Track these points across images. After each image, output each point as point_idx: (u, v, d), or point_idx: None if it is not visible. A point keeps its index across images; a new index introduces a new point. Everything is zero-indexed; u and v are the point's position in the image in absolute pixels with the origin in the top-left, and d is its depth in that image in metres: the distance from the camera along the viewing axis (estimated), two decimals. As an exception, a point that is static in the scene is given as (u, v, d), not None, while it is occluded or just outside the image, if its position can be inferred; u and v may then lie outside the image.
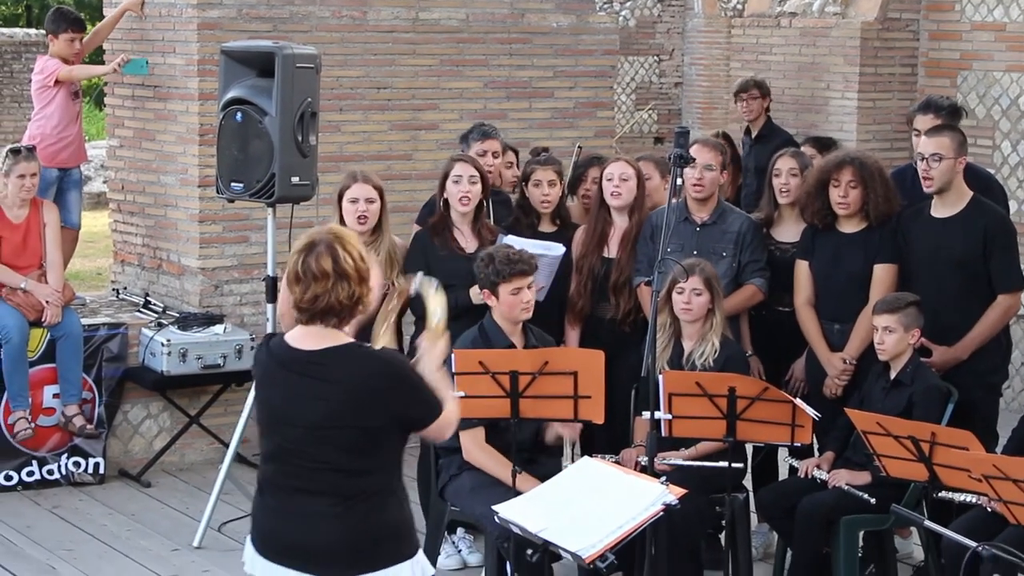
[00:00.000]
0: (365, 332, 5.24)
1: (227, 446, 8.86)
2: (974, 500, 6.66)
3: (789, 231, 8.11)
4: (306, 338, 4.97)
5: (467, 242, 8.04)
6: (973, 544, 5.36)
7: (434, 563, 6.42)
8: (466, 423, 6.89)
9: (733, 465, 7.07)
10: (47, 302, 9.05)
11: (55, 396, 9.22)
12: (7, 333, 8.94)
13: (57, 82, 10.17)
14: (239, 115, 8.45)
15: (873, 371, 7.49)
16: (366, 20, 10.33)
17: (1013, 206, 10.10)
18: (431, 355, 5.14)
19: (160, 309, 9.92)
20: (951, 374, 7.53)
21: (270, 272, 8.56)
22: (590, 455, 6.68)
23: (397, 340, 7.63)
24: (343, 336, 4.97)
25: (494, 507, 5.61)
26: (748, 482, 7.89)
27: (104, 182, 15.62)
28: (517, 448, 6.93)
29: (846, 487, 7.19)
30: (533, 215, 8.43)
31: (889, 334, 7.29)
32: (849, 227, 7.81)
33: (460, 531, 8.08)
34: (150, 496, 9.23)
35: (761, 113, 11.80)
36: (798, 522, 7.29)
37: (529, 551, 5.85)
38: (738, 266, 7.93)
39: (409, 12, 10.46)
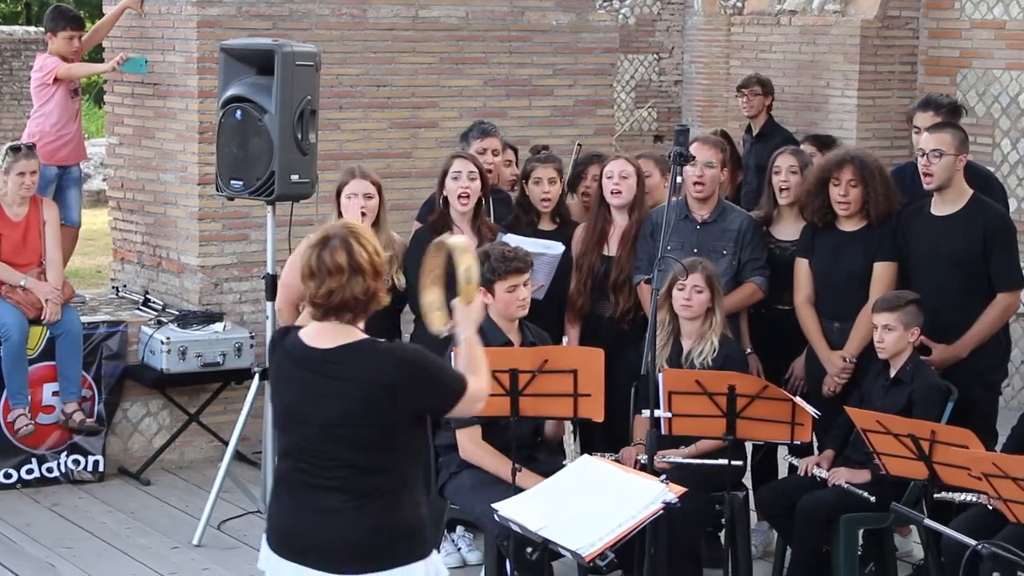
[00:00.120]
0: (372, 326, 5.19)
1: (227, 444, 8.86)
2: (973, 499, 6.65)
3: (788, 229, 8.11)
4: (320, 335, 4.93)
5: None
6: (973, 542, 5.36)
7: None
8: (463, 421, 6.89)
9: (733, 463, 7.07)
10: (46, 300, 9.06)
11: (54, 394, 9.22)
12: (6, 331, 8.94)
13: (56, 80, 10.17)
14: (239, 113, 8.45)
15: (873, 369, 7.49)
16: (366, 18, 10.33)
17: (1013, 204, 10.09)
18: (466, 321, 5.09)
19: (160, 307, 9.92)
20: (950, 372, 7.53)
21: (270, 270, 8.56)
22: (590, 454, 6.68)
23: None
24: (357, 333, 4.93)
25: (494, 505, 5.61)
26: (748, 480, 7.90)
27: (104, 180, 15.63)
28: (516, 446, 6.93)
29: (846, 485, 7.19)
30: (533, 213, 8.43)
31: (889, 332, 7.29)
32: (849, 225, 7.80)
33: (460, 529, 8.08)
34: (149, 494, 9.23)
35: (762, 110, 11.81)
36: (798, 520, 7.29)
37: (529, 549, 5.85)
38: (738, 264, 7.92)
39: (409, 10, 10.45)
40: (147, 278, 10.42)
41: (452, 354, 6.63)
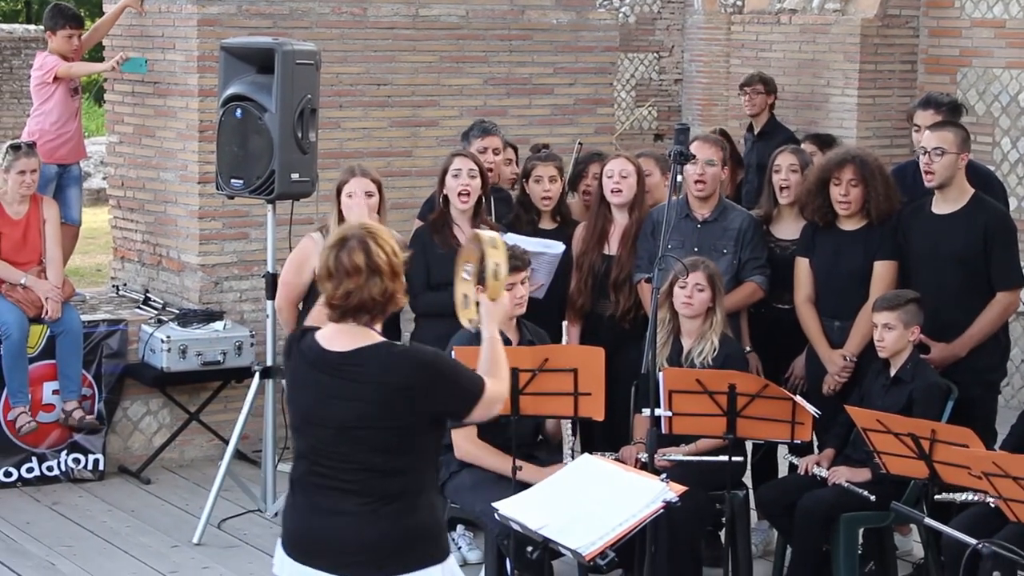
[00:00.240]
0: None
1: (227, 443, 8.87)
2: (973, 498, 6.65)
3: (788, 228, 8.11)
4: (337, 338, 4.90)
5: (467, 239, 8.03)
6: (973, 541, 5.35)
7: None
8: None
9: (733, 459, 7.07)
10: (47, 298, 9.05)
11: (55, 392, 9.23)
12: (7, 329, 8.94)
13: (56, 79, 10.18)
14: (239, 111, 8.45)
15: (873, 368, 7.49)
16: (366, 16, 10.33)
17: (1013, 203, 10.09)
18: (491, 317, 5.07)
19: (160, 305, 9.92)
20: (950, 371, 7.53)
21: (270, 268, 8.56)
22: (590, 452, 6.68)
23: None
24: (374, 335, 4.89)
25: (494, 504, 5.60)
26: (748, 479, 7.90)
27: (104, 178, 15.63)
28: (516, 444, 6.92)
29: (846, 484, 7.19)
30: (533, 212, 8.43)
31: (889, 331, 7.29)
32: (849, 224, 7.80)
33: (460, 528, 8.08)
34: (150, 493, 9.23)
35: (764, 108, 11.80)
36: (798, 519, 7.29)
37: (529, 548, 5.85)
38: (738, 263, 7.92)
39: (409, 8, 10.45)
40: (147, 276, 10.42)
41: (451, 351, 6.67)
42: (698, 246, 7.86)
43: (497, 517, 5.60)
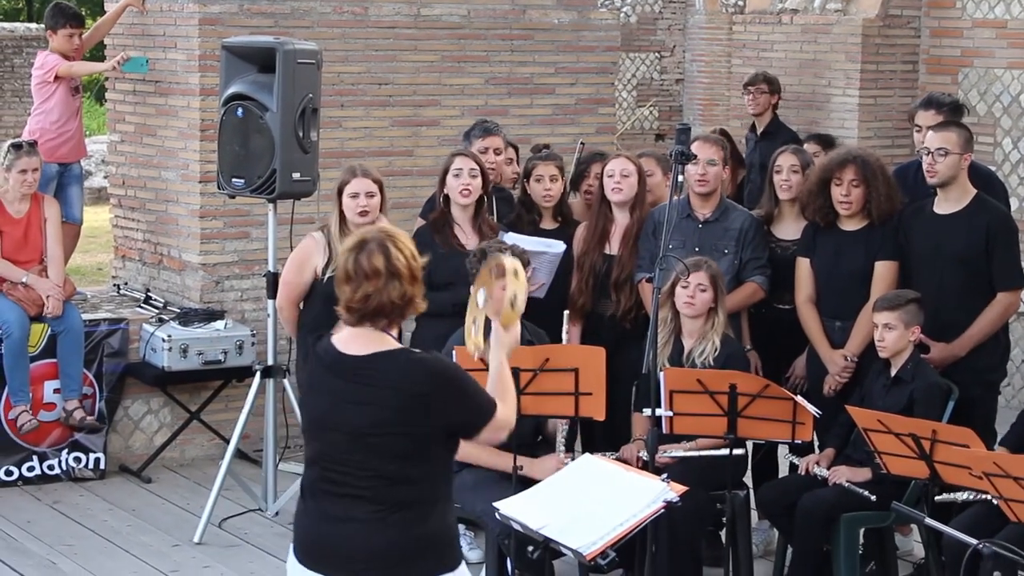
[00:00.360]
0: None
1: (228, 442, 8.87)
2: (973, 497, 6.65)
3: (789, 228, 8.11)
4: (354, 342, 4.86)
5: (468, 239, 8.03)
6: (974, 542, 5.35)
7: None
8: None
9: (735, 452, 7.05)
10: (48, 296, 9.05)
11: (56, 391, 9.23)
12: (8, 328, 8.95)
13: (57, 78, 10.18)
14: (240, 111, 8.45)
15: (874, 368, 7.49)
16: (367, 16, 10.33)
17: (1014, 203, 10.09)
18: (501, 344, 5.02)
19: (161, 305, 9.92)
20: (949, 371, 7.53)
21: (271, 268, 8.56)
22: (591, 452, 6.68)
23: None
24: (391, 341, 4.86)
25: (495, 504, 5.60)
26: (749, 479, 7.90)
27: (105, 177, 15.62)
28: (516, 444, 6.92)
29: (846, 484, 7.19)
30: (535, 211, 8.43)
31: (889, 331, 7.29)
32: (850, 225, 7.80)
33: (461, 528, 8.06)
34: (151, 492, 9.24)
35: (768, 108, 11.80)
36: (798, 519, 7.29)
37: (530, 548, 5.85)
38: (739, 263, 7.92)
39: (410, 8, 10.45)
40: (148, 276, 10.42)
41: (451, 351, 6.67)
42: (699, 246, 7.86)
43: (498, 517, 5.60)
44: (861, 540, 7.52)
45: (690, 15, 19.39)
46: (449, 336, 7.16)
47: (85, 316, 9.44)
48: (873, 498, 7.10)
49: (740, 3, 17.23)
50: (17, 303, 9.02)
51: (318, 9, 10.16)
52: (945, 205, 7.66)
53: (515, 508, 5.50)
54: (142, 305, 10.02)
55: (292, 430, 8.88)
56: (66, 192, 10.32)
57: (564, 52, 10.99)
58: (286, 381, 8.64)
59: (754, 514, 7.89)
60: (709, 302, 7.40)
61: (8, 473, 9.17)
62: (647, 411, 6.83)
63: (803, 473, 7.45)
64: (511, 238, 7.81)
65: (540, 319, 7.56)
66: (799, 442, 7.16)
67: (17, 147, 9.17)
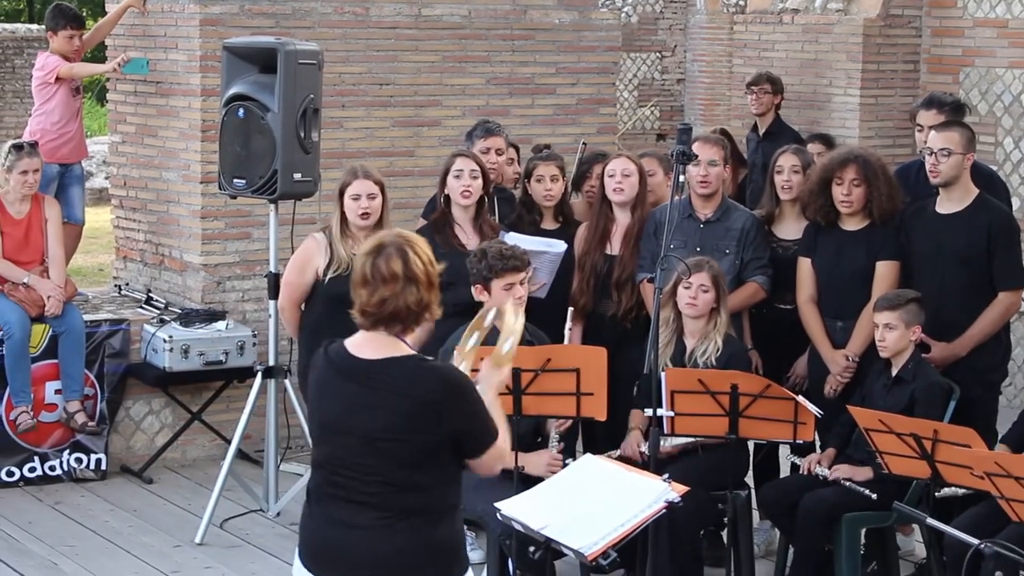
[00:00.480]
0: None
1: (229, 442, 8.86)
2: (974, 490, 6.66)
3: (790, 228, 8.11)
4: (367, 346, 4.82)
5: (468, 239, 8.03)
6: (975, 541, 5.35)
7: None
8: None
9: (735, 437, 7.05)
10: (48, 296, 9.05)
11: (57, 392, 9.23)
12: (9, 329, 8.95)
13: (58, 79, 10.19)
14: (241, 111, 8.45)
15: (874, 368, 7.49)
16: (368, 16, 10.33)
17: (1016, 203, 10.09)
18: (490, 382, 4.97)
19: (162, 305, 9.93)
20: (950, 371, 7.53)
21: (272, 268, 8.56)
22: (592, 452, 6.68)
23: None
24: (404, 347, 4.82)
25: (496, 504, 5.60)
26: (750, 479, 7.89)
27: (106, 178, 15.63)
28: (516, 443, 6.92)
29: (847, 483, 7.19)
30: (536, 212, 8.43)
31: (890, 331, 7.29)
32: (852, 224, 7.80)
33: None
34: (152, 492, 9.24)
35: (770, 108, 11.81)
36: (800, 519, 7.29)
37: (531, 548, 5.84)
38: (741, 263, 7.92)
39: (411, 8, 10.45)
40: (149, 276, 10.42)
41: (449, 350, 6.67)
42: (700, 246, 7.86)
43: (499, 517, 5.60)
44: (863, 540, 7.51)
45: (691, 15, 19.40)
46: (448, 337, 7.15)
47: (86, 317, 9.44)
48: (874, 496, 7.10)
49: (741, 3, 17.23)
50: (18, 304, 9.02)
51: (319, 9, 10.16)
52: (947, 205, 7.66)
53: (516, 508, 5.50)
54: (143, 306, 10.02)
55: (293, 431, 8.89)
56: (67, 193, 10.33)
57: (565, 52, 10.99)
58: (287, 382, 8.64)
59: (756, 514, 7.89)
60: (711, 302, 7.40)
61: (9, 474, 9.17)
62: (648, 411, 6.82)
63: (805, 473, 7.45)
64: (512, 238, 7.81)
65: (541, 319, 7.55)
66: (800, 442, 7.16)
67: (18, 148, 9.17)
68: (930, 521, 5.77)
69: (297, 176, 8.38)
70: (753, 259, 7.93)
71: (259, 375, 8.59)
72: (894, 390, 7.30)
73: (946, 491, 6.75)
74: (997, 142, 11.58)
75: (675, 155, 6.82)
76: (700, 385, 6.93)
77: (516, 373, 6.81)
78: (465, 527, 7.95)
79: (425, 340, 5.95)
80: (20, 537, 8.41)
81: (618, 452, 7.42)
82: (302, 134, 8.38)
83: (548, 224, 8.42)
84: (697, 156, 7.64)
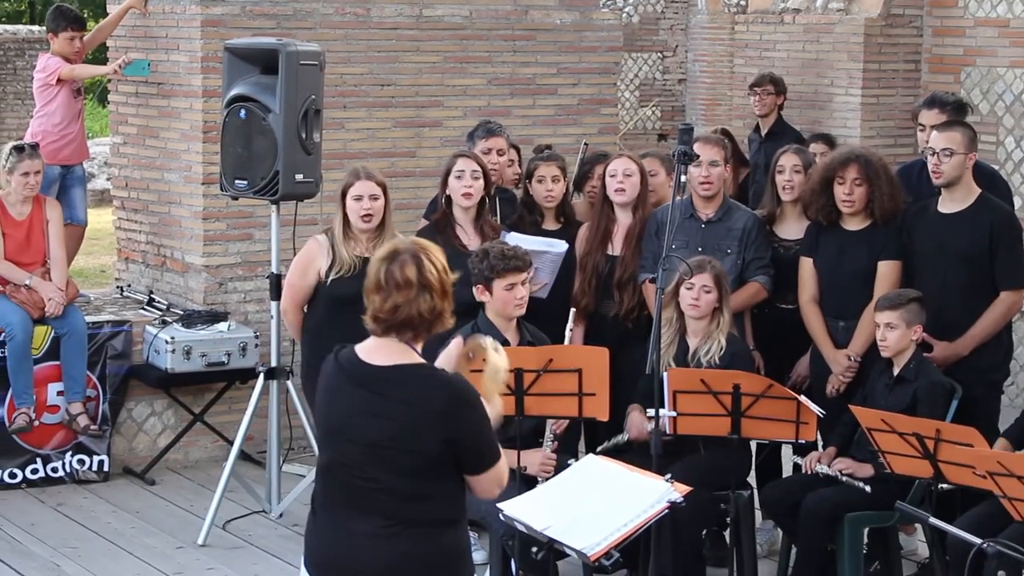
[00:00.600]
0: None
1: (231, 444, 8.86)
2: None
3: (791, 228, 8.11)
4: (377, 352, 4.79)
5: (470, 239, 8.03)
6: (978, 541, 5.36)
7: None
8: None
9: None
10: (50, 298, 9.05)
11: (59, 394, 9.23)
12: (11, 330, 8.95)
13: (59, 80, 10.19)
14: (243, 112, 8.45)
15: (876, 368, 7.49)
16: (370, 17, 10.33)
17: (1017, 202, 10.09)
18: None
19: (164, 306, 9.93)
20: (952, 371, 7.53)
21: (274, 269, 8.56)
22: (594, 452, 6.68)
23: None
24: (415, 355, 4.79)
25: (499, 505, 5.60)
26: (752, 479, 7.89)
27: (107, 179, 15.65)
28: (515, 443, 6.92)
29: (844, 478, 7.18)
30: (537, 212, 8.43)
31: (891, 330, 7.29)
32: (853, 224, 7.80)
33: (464, 529, 8.06)
34: (154, 494, 9.24)
35: (773, 109, 11.81)
36: (802, 519, 7.28)
37: (534, 549, 5.85)
38: (742, 263, 7.92)
39: (413, 9, 10.45)
40: (151, 277, 10.42)
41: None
42: (702, 246, 7.86)
43: (502, 518, 5.60)
44: (865, 540, 7.51)
45: (692, 15, 19.41)
46: (448, 338, 7.14)
47: (88, 318, 9.44)
48: (868, 489, 7.10)
49: (742, 3, 17.24)
50: (20, 305, 9.02)
51: (320, 10, 10.16)
52: (949, 204, 7.66)
53: (519, 509, 5.50)
54: (145, 307, 10.02)
55: (296, 432, 8.88)
56: (69, 194, 10.33)
57: (566, 52, 10.99)
58: (289, 383, 8.64)
59: (758, 514, 7.89)
60: (714, 303, 7.40)
61: (12, 476, 9.17)
62: (651, 411, 6.82)
63: (805, 471, 7.45)
64: (513, 238, 7.81)
65: (542, 319, 7.56)
66: (803, 442, 7.16)
67: (19, 150, 9.17)
68: (933, 521, 5.78)
69: (299, 177, 8.38)
70: (755, 259, 7.93)
71: (261, 376, 8.59)
72: (896, 389, 7.30)
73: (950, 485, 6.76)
74: (998, 141, 11.58)
75: (677, 155, 6.82)
76: (702, 385, 6.94)
77: (518, 374, 6.82)
78: (468, 527, 7.99)
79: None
80: (22, 539, 8.41)
81: (626, 436, 7.40)
82: (303, 135, 8.37)
83: (550, 225, 8.41)
84: (699, 156, 7.64)
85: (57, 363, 9.19)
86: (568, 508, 5.45)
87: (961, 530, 5.74)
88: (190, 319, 9.60)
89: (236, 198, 8.81)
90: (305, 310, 8.16)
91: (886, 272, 7.72)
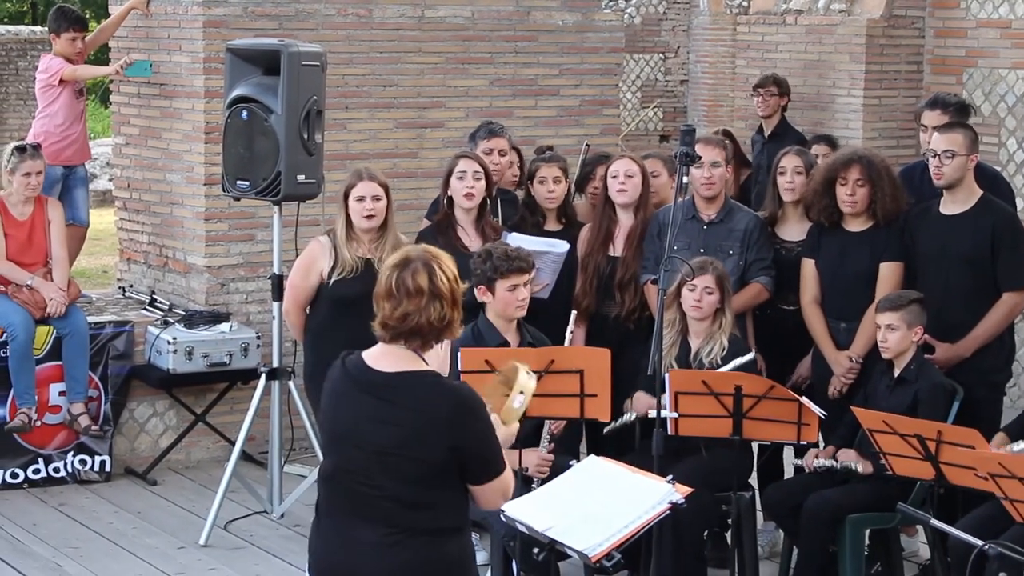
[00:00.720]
0: None
1: (233, 444, 8.87)
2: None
3: (793, 230, 8.11)
4: (384, 358, 4.77)
5: (471, 240, 8.03)
6: (979, 542, 5.36)
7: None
8: None
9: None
10: (51, 299, 9.05)
11: (61, 394, 9.23)
12: (13, 330, 8.95)
13: (62, 81, 10.19)
14: (245, 113, 8.45)
15: (877, 369, 7.49)
16: (372, 18, 10.34)
17: (1020, 203, 10.08)
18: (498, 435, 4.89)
19: (166, 307, 9.93)
20: (954, 372, 7.53)
21: (276, 270, 8.56)
22: (596, 454, 6.68)
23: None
24: (422, 362, 4.77)
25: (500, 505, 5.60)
26: (754, 480, 7.90)
27: (110, 180, 15.66)
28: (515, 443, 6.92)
29: (838, 464, 7.19)
30: (539, 213, 8.43)
31: (892, 332, 7.29)
32: (855, 225, 7.80)
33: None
34: (156, 494, 9.24)
35: (777, 110, 11.81)
36: (804, 520, 7.28)
37: (535, 550, 5.84)
38: (744, 264, 7.92)
39: (415, 10, 10.46)
40: (153, 278, 10.43)
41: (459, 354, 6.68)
42: (704, 247, 7.86)
43: (503, 518, 5.60)
44: (867, 541, 7.51)
45: (694, 16, 19.41)
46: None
47: (90, 319, 9.44)
48: (859, 468, 7.10)
49: (744, 4, 17.24)
50: (22, 306, 9.03)
51: (322, 11, 10.17)
52: (951, 206, 7.66)
53: (520, 510, 5.50)
54: (147, 307, 10.02)
55: (297, 432, 8.88)
56: (72, 195, 10.33)
57: (568, 54, 10.99)
58: (291, 383, 8.64)
59: (759, 515, 7.89)
60: (716, 304, 7.41)
61: (13, 476, 9.18)
62: (652, 412, 6.82)
63: (807, 469, 7.44)
64: (515, 239, 7.81)
65: (544, 320, 7.57)
66: (805, 444, 7.16)
67: (21, 150, 9.18)
68: (934, 522, 5.78)
69: (301, 178, 8.38)
70: (756, 260, 7.94)
71: (263, 377, 8.60)
72: (897, 391, 7.31)
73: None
74: (1000, 143, 11.58)
75: (679, 156, 6.82)
76: (704, 386, 6.94)
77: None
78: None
79: None
80: (24, 539, 8.42)
81: (632, 415, 7.38)
82: (305, 136, 8.38)
83: (551, 226, 8.42)
84: (700, 157, 7.64)
85: (59, 363, 9.20)
86: (570, 509, 5.44)
87: (962, 532, 5.75)
88: (192, 320, 9.60)
89: (238, 199, 8.81)
90: (307, 311, 8.16)
91: (888, 273, 7.72)
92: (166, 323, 9.61)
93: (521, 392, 4.95)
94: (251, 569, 8.03)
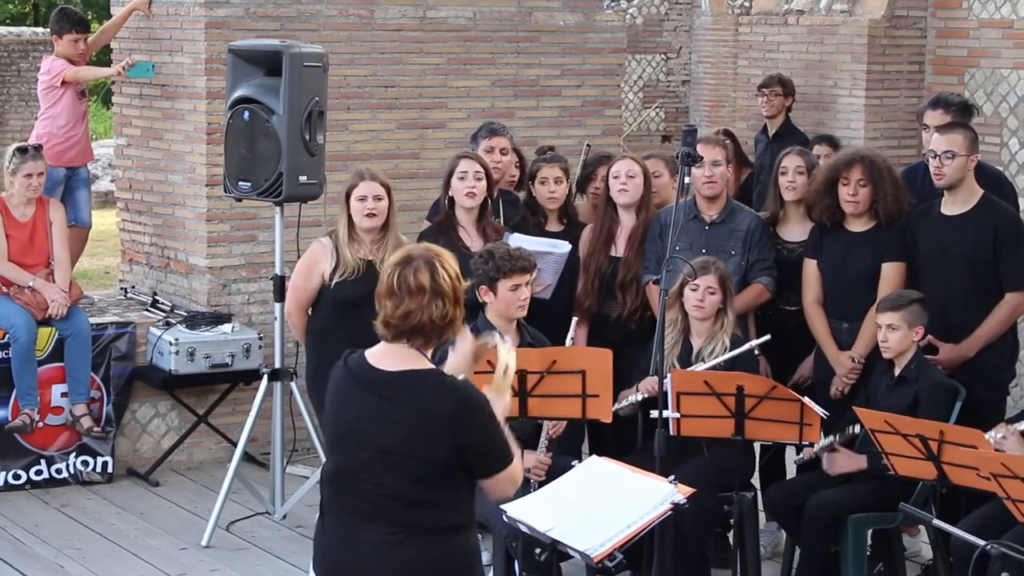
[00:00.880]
0: None
1: (235, 445, 8.87)
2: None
3: (795, 230, 8.12)
4: (387, 357, 4.78)
5: (472, 241, 8.03)
6: (981, 542, 5.36)
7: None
8: None
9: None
10: (52, 300, 9.06)
11: (63, 395, 9.23)
12: (15, 332, 8.96)
13: (64, 82, 10.20)
14: (246, 114, 8.45)
15: (878, 368, 7.49)
16: (373, 19, 10.34)
17: (1022, 203, 10.08)
18: (495, 408, 4.89)
19: (168, 308, 9.93)
20: (957, 372, 7.53)
21: (278, 271, 8.56)
22: (598, 454, 6.68)
23: None
24: (425, 360, 4.77)
25: (502, 506, 5.61)
26: (756, 481, 7.90)
27: (112, 181, 15.64)
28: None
29: (836, 439, 7.20)
30: (540, 214, 8.43)
31: (892, 332, 7.29)
32: (858, 226, 7.80)
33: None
34: (158, 495, 9.24)
35: (781, 111, 11.81)
36: (806, 521, 7.28)
37: (538, 550, 5.85)
38: (746, 264, 7.92)
39: (416, 10, 10.45)
40: (155, 279, 10.43)
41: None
42: (706, 247, 7.87)
43: (505, 519, 5.60)
44: (869, 541, 7.51)
45: (696, 16, 19.41)
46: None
47: (92, 320, 9.44)
48: (836, 438, 7.16)
49: (746, 4, 17.23)
50: (24, 307, 9.03)
51: (324, 12, 10.17)
52: (952, 206, 7.66)
53: (522, 510, 5.50)
54: (149, 309, 10.02)
55: (299, 433, 8.88)
56: (74, 196, 10.34)
57: (570, 54, 10.99)
58: (293, 384, 8.64)
59: (762, 516, 7.89)
60: (718, 304, 7.41)
61: (16, 477, 9.18)
62: (654, 413, 6.82)
63: (807, 458, 7.44)
64: (516, 239, 7.81)
65: (545, 321, 7.56)
66: (806, 444, 7.16)
67: (22, 151, 9.18)
68: (936, 522, 5.78)
69: (302, 179, 8.38)
70: (758, 260, 7.94)
71: (265, 377, 8.60)
72: (897, 390, 7.31)
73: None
74: (1003, 143, 11.57)
75: (680, 157, 6.82)
76: (706, 387, 6.93)
77: (522, 375, 6.82)
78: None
79: None
80: (26, 540, 8.42)
81: (640, 395, 7.36)
82: (307, 137, 8.38)
83: (553, 226, 8.42)
84: (702, 158, 7.64)
85: (61, 364, 9.20)
86: (572, 509, 5.45)
87: (965, 532, 5.75)
88: (194, 321, 9.60)
89: (240, 200, 8.81)
90: (309, 312, 8.16)
91: (890, 274, 7.72)
92: (168, 324, 9.61)
93: (505, 365, 4.93)
94: (253, 570, 8.03)
